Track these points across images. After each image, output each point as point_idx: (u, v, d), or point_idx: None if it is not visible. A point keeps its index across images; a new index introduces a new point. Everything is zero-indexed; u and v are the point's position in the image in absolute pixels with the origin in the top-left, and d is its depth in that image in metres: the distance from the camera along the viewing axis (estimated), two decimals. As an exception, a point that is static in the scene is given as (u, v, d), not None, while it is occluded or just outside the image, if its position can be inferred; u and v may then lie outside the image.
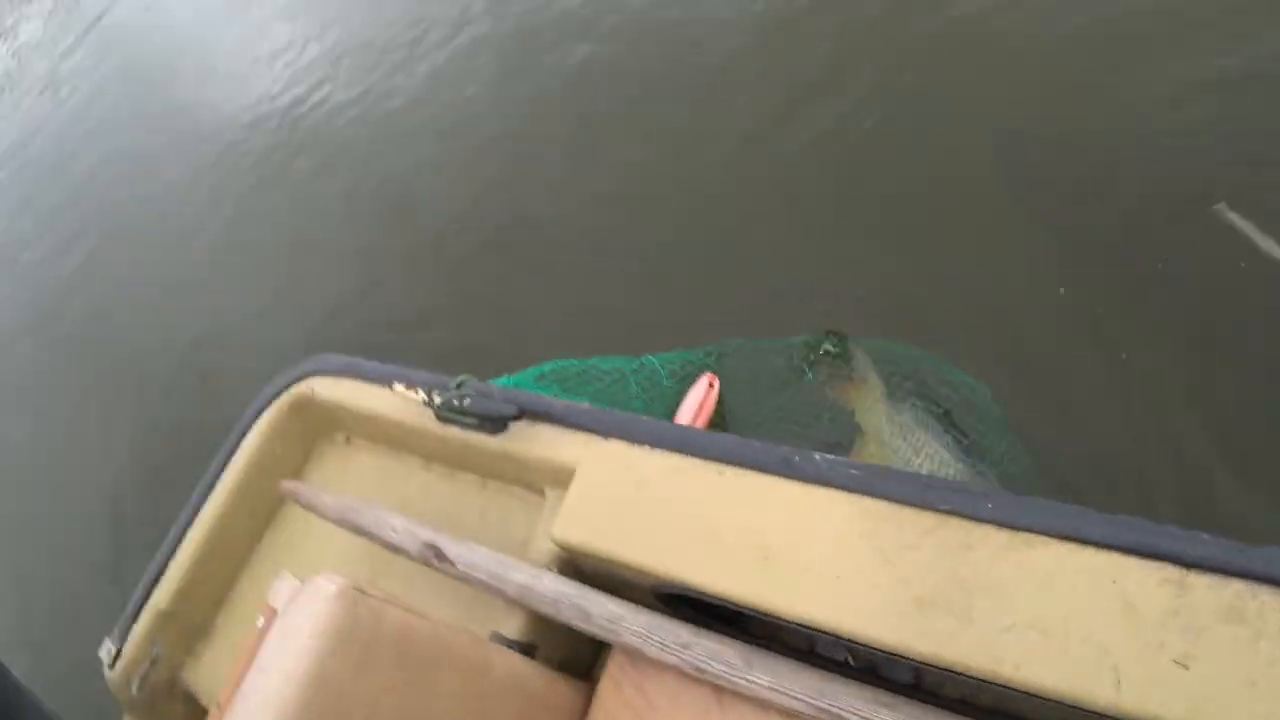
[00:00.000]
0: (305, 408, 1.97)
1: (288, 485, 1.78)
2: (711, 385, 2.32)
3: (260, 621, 1.13)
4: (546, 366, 1.95)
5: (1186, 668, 0.89)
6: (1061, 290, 2.21)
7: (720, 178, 3.03)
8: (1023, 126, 2.56)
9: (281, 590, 1.13)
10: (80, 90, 7.22)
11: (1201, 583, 0.92)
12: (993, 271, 2.33)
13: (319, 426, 2.02)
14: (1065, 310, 2.18)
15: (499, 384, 1.76)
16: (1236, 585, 0.91)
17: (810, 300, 2.50)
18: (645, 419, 1.47)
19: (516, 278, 3.29)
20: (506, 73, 4.13)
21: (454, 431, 1.67)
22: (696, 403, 2.28)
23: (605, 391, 2.08)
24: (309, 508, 1.69)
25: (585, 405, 1.54)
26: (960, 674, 1.00)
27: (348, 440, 2.02)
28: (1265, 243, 2.03)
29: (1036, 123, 2.55)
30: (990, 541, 1.05)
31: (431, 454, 1.83)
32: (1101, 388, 2.06)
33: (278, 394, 1.99)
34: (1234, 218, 2.10)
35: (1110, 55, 2.55)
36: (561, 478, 1.47)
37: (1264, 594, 0.90)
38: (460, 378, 1.69)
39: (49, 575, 4.07)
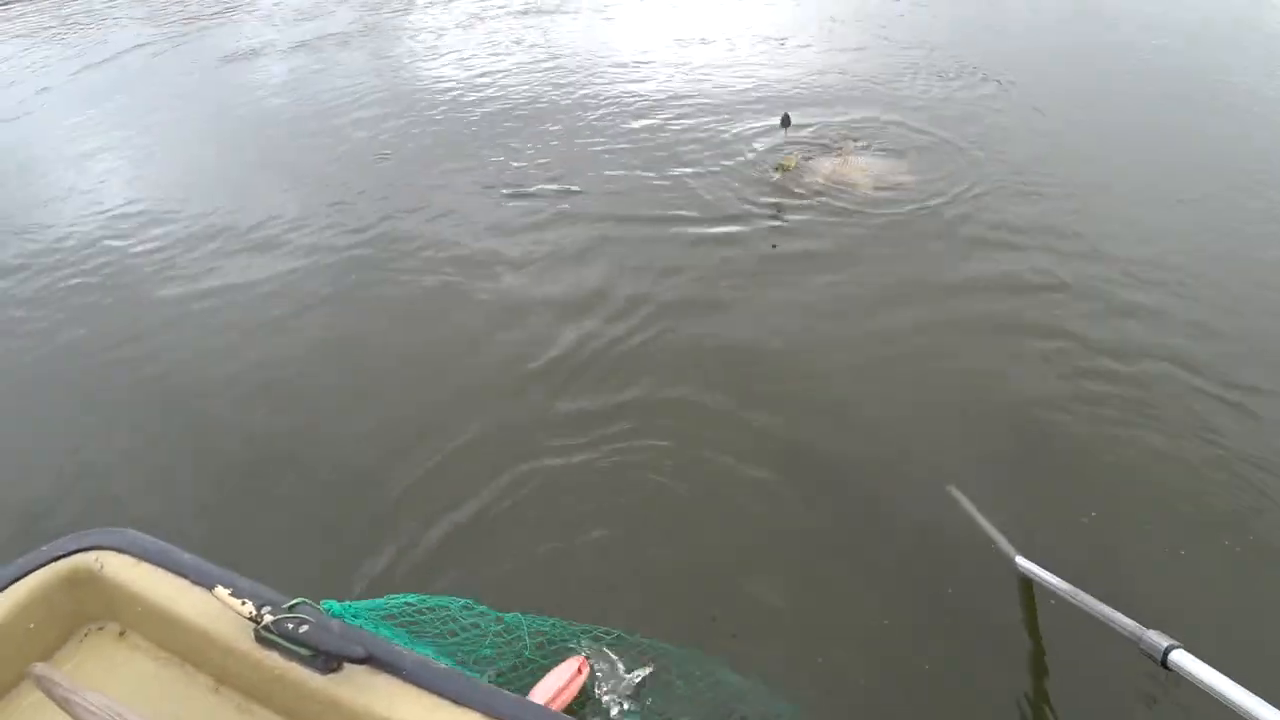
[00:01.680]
0: (82, 583, 1.68)
1: (40, 670, 1.42)
2: (580, 671, 2.13)
3: None
4: (395, 600, 1.74)
5: None
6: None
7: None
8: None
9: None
10: None
11: None
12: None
13: (91, 609, 1.71)
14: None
15: (329, 607, 1.54)
16: None
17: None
18: (507, 695, 1.36)
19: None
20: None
21: (272, 658, 1.44)
22: (558, 685, 2.06)
23: (456, 644, 1.85)
24: (63, 704, 1.36)
25: (443, 665, 1.40)
26: None
27: (122, 634, 1.70)
28: (979, 517, 2.54)
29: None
30: None
31: (229, 677, 1.57)
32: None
33: (55, 558, 1.68)
34: (960, 497, 2.66)
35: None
36: None
37: None
38: (296, 599, 1.48)
39: None
